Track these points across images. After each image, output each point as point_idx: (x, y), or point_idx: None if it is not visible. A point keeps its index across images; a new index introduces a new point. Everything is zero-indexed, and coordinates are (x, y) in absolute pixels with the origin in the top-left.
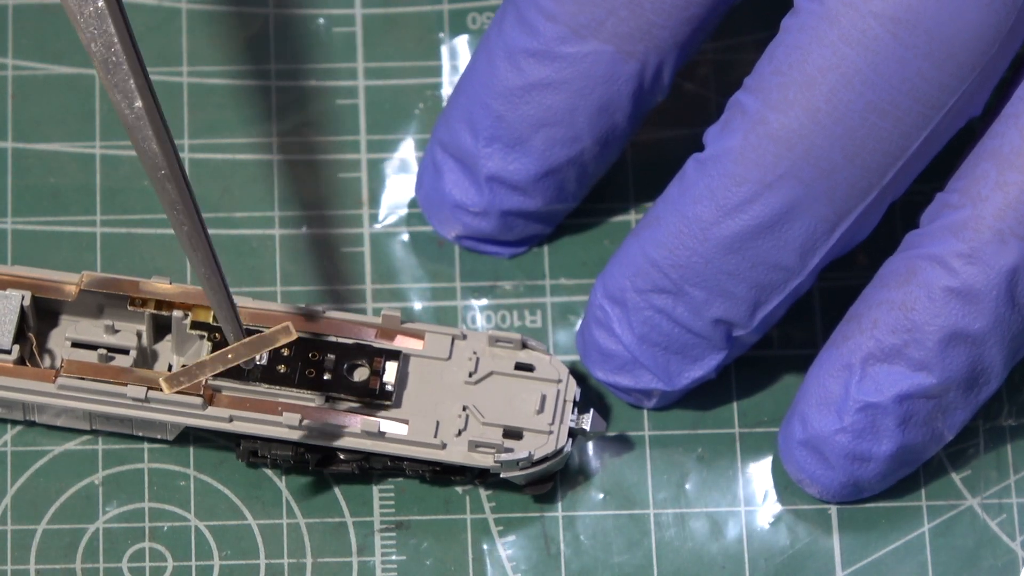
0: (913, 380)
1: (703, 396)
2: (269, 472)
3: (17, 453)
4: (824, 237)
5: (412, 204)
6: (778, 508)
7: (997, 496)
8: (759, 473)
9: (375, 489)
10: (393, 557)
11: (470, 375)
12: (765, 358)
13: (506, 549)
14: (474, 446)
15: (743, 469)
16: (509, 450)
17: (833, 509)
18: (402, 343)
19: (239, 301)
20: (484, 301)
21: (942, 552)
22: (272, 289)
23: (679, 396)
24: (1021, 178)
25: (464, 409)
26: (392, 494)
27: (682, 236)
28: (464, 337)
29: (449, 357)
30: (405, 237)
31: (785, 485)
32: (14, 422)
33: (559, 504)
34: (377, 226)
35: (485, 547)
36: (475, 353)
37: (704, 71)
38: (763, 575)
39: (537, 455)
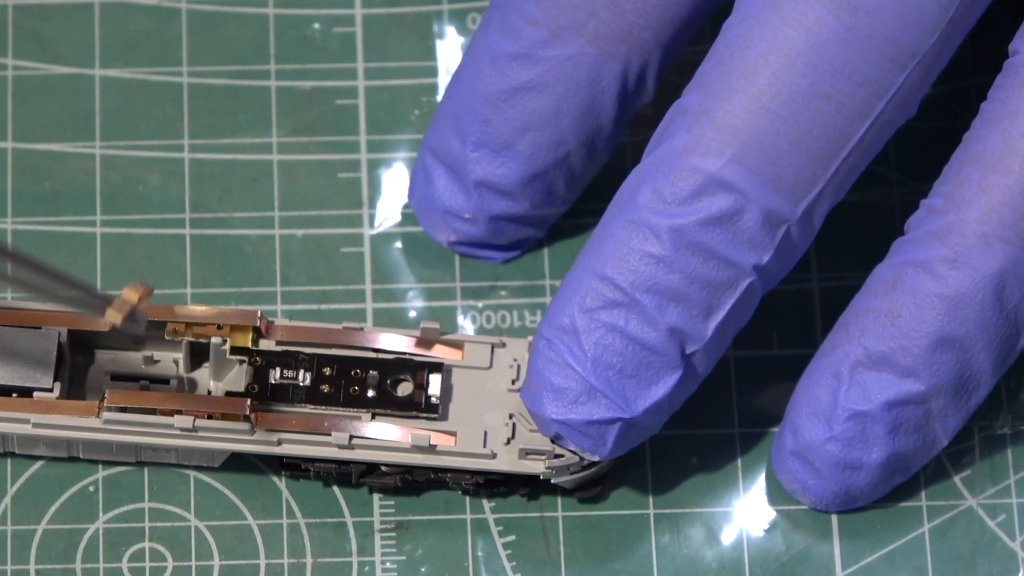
0: (901, 387)
1: (703, 397)
2: (269, 473)
3: (17, 453)
4: (772, 231)
5: None
6: (778, 508)
7: (997, 496)
8: (759, 474)
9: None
10: (393, 557)
11: (512, 382)
12: (765, 358)
13: (506, 549)
14: (525, 453)
15: (743, 470)
16: (560, 456)
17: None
18: (441, 354)
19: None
20: (484, 301)
21: (941, 552)
22: (272, 289)
23: (636, 436)
24: (1004, 181)
25: (510, 417)
26: (392, 494)
27: (631, 241)
28: (503, 345)
29: (490, 366)
30: (405, 238)
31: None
32: (57, 459)
33: (559, 505)
34: (377, 227)
35: (485, 547)
36: (515, 360)
37: None
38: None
39: (587, 458)
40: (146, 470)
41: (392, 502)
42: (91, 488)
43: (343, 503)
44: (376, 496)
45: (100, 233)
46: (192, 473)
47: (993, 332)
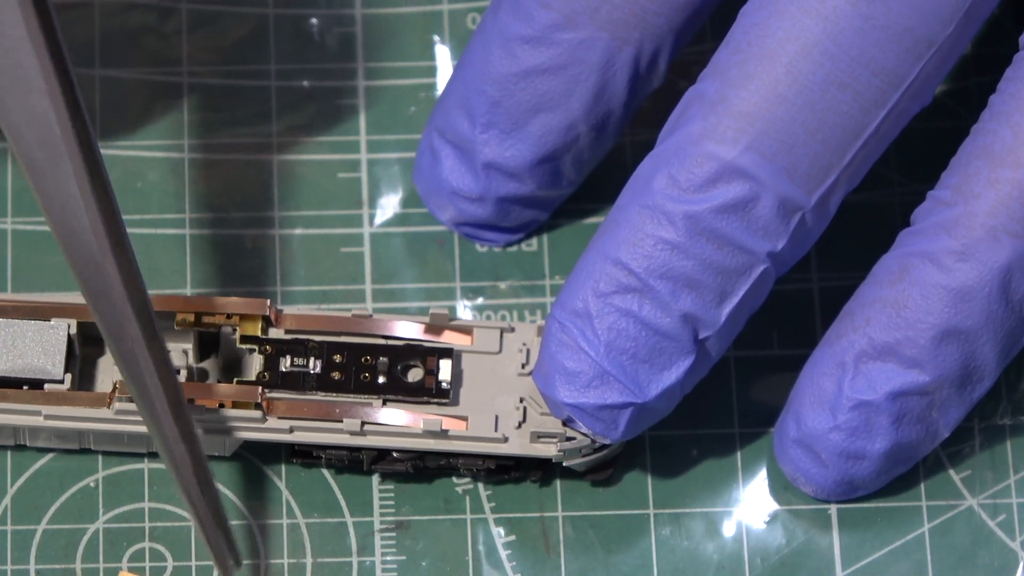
0: (906, 377)
1: (703, 396)
2: (269, 472)
3: (17, 453)
4: (787, 218)
5: (412, 204)
6: (778, 508)
7: (997, 496)
8: (759, 473)
9: (375, 489)
10: (393, 557)
11: (522, 366)
12: (765, 358)
13: (506, 549)
14: (536, 437)
15: (743, 469)
16: (571, 438)
17: (833, 509)
18: (450, 339)
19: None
20: (483, 301)
21: (942, 552)
22: (272, 289)
23: (647, 419)
24: (1013, 175)
25: (521, 401)
26: (392, 494)
27: (645, 227)
28: (512, 330)
29: (500, 350)
30: (405, 237)
31: (785, 485)
32: (69, 451)
33: (559, 504)
34: (376, 226)
35: (485, 547)
36: (525, 344)
37: (700, 70)
38: (763, 575)
39: (599, 441)
40: (147, 469)
41: (392, 502)
42: (92, 484)
43: (343, 503)
44: (376, 496)
45: None
46: None
47: (999, 325)
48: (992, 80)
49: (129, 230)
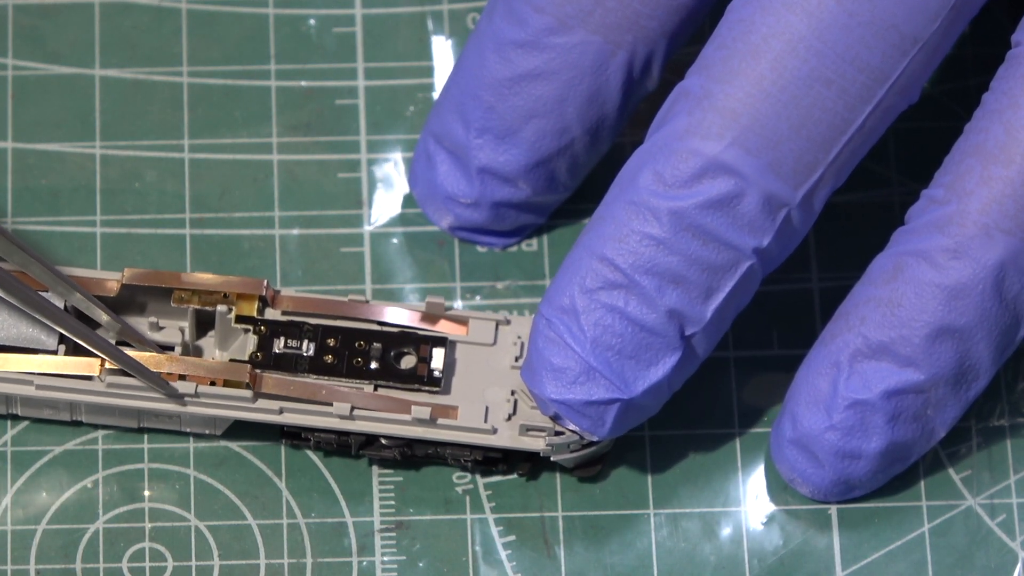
0: (901, 376)
1: (703, 396)
2: (269, 472)
3: (17, 453)
4: (772, 214)
5: (412, 204)
6: (778, 508)
7: (997, 496)
8: (759, 473)
9: (375, 489)
10: (393, 557)
11: (516, 359)
12: (765, 358)
13: (506, 549)
14: (525, 430)
15: (743, 469)
16: (560, 433)
17: (833, 509)
18: (445, 329)
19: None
20: (481, 300)
21: (941, 552)
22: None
23: (634, 416)
24: (1006, 173)
25: (512, 394)
26: (392, 494)
27: (631, 223)
28: (508, 322)
29: (494, 342)
30: (405, 237)
31: (784, 486)
32: (61, 423)
33: (559, 504)
34: (376, 227)
35: (485, 547)
36: (519, 338)
37: None
38: (763, 575)
39: (587, 438)
40: (146, 469)
41: (392, 502)
42: (91, 484)
43: (343, 503)
44: (376, 496)
45: (100, 233)
46: (192, 473)
47: (993, 323)
48: (991, 80)
49: (129, 230)
